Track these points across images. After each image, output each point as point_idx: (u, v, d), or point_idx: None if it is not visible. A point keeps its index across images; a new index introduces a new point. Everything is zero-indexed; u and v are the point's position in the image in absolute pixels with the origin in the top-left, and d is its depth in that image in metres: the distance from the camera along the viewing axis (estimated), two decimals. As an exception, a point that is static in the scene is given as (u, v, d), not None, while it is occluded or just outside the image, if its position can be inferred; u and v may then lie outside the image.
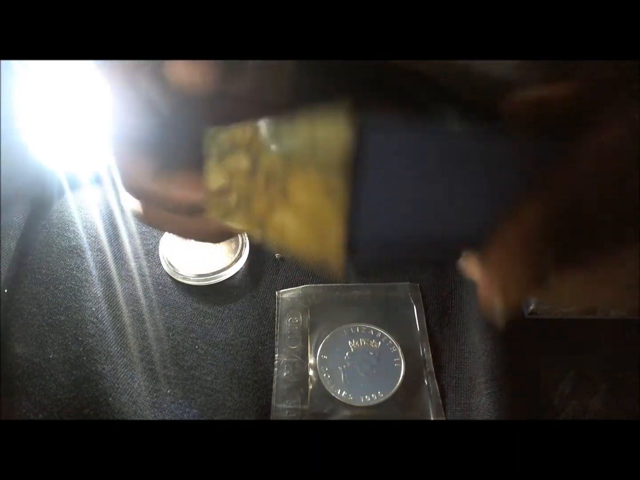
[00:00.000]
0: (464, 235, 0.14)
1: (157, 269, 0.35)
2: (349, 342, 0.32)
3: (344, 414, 0.29)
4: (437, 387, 0.30)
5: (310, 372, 0.31)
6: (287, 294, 0.34)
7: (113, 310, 0.33)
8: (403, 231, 0.14)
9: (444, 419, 0.29)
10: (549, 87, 0.15)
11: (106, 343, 0.31)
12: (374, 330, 0.32)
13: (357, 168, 0.13)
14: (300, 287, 0.34)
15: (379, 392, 0.30)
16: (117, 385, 0.29)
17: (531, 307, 0.32)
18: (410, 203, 0.14)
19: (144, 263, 0.36)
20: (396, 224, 0.14)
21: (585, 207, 0.13)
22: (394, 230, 0.14)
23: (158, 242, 0.37)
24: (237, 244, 0.36)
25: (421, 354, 0.31)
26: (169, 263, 0.35)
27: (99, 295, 0.33)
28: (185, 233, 0.20)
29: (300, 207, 0.14)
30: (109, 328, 0.32)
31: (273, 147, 0.14)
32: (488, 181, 0.14)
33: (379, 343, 0.32)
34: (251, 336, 0.32)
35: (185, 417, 0.29)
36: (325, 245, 0.14)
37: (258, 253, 0.37)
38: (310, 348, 0.32)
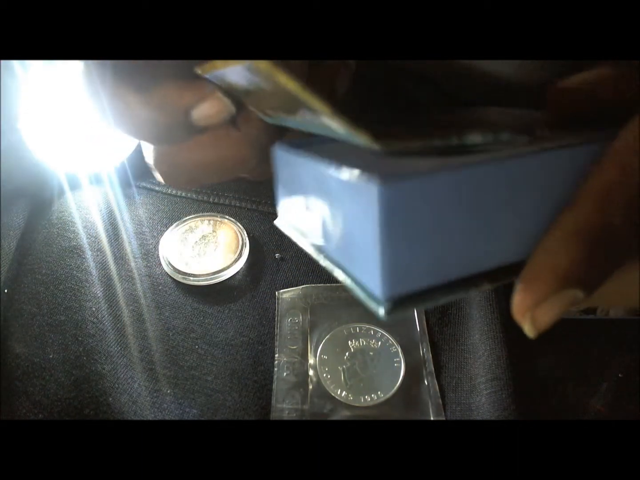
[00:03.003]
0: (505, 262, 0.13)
1: (157, 269, 0.35)
2: (349, 342, 0.32)
3: (344, 414, 0.29)
4: (437, 387, 0.30)
5: (310, 372, 0.31)
6: (287, 294, 0.34)
7: (113, 310, 0.33)
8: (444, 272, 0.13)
9: (444, 419, 0.29)
10: (596, 70, 0.14)
11: (106, 343, 0.31)
12: (374, 330, 0.32)
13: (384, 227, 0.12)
14: (300, 287, 0.34)
15: (379, 392, 0.30)
16: (117, 386, 0.29)
17: None
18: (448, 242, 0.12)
19: (144, 263, 0.36)
20: (436, 266, 0.12)
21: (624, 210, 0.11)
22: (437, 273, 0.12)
23: (158, 242, 0.37)
24: (237, 244, 0.36)
25: (421, 354, 0.31)
26: (169, 263, 0.35)
27: (99, 295, 0.33)
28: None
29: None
30: (109, 328, 0.32)
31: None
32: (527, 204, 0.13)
33: (379, 343, 0.32)
34: (251, 336, 0.32)
35: (185, 417, 0.29)
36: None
37: (258, 253, 0.37)
38: (310, 348, 0.32)
